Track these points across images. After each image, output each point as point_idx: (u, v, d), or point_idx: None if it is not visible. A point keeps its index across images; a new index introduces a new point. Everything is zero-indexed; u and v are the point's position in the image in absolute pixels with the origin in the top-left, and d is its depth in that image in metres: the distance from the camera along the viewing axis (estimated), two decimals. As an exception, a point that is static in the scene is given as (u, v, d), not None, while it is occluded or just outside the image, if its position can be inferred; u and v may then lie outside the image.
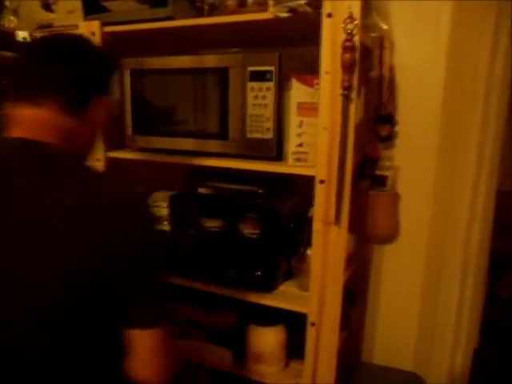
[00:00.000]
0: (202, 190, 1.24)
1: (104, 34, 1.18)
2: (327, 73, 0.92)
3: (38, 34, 1.28)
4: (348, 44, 0.86)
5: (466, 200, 1.25)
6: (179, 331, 1.27)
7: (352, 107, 0.90)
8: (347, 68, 0.87)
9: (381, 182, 1.26)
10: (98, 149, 1.22)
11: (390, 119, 1.25)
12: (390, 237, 1.34)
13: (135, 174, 1.35)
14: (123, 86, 1.22)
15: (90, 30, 1.17)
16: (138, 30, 1.14)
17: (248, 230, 1.16)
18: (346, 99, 0.89)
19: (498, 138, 1.22)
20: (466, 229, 1.24)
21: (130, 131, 1.24)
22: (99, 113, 0.77)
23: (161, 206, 1.25)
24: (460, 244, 1.26)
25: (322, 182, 0.96)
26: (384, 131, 1.26)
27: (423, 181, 1.29)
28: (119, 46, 1.26)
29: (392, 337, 1.41)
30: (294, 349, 1.20)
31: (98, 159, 1.23)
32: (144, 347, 0.68)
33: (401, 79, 1.26)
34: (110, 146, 1.25)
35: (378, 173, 1.26)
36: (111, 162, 1.25)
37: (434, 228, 1.30)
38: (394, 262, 1.37)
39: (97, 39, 1.17)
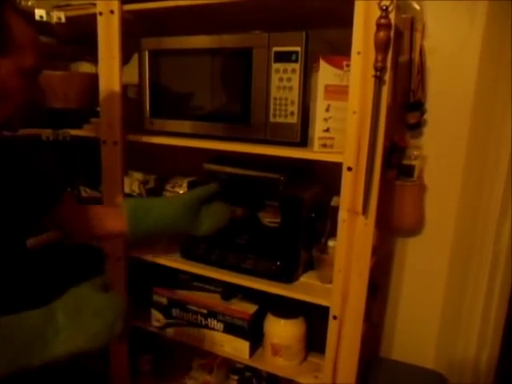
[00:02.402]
0: (221, 176, 1.20)
1: (123, 13, 1.14)
2: (359, 53, 0.86)
3: (56, 13, 1.25)
4: (383, 21, 0.80)
5: (497, 191, 1.18)
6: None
7: (385, 90, 0.85)
8: (381, 47, 0.82)
9: (408, 172, 1.20)
10: (115, 131, 1.19)
11: (419, 106, 1.19)
12: (415, 229, 1.29)
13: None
14: (141, 67, 1.19)
15: (109, 7, 1.13)
16: (159, 8, 1.10)
17: (268, 219, 1.12)
18: (379, 81, 0.84)
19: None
20: (497, 222, 1.19)
21: (147, 114, 1.20)
22: None
23: (179, 191, 1.22)
24: (490, 237, 1.20)
25: (349, 169, 0.91)
26: (412, 119, 1.20)
27: (452, 171, 1.23)
28: (139, 26, 1.23)
29: (413, 332, 1.37)
30: (313, 342, 1.17)
31: (116, 142, 1.20)
32: None
33: (431, 64, 1.20)
34: (129, 129, 1.21)
35: (405, 162, 1.20)
36: (129, 146, 1.22)
37: (462, 221, 1.25)
38: (417, 255, 1.32)
39: (116, 18, 1.13)
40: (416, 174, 1.20)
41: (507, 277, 1.23)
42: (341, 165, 0.94)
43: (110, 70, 1.17)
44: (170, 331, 1.30)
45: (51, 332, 0.60)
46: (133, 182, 1.65)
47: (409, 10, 1.15)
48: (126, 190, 1.50)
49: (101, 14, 1.15)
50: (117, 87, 1.17)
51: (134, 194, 1.63)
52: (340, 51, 0.95)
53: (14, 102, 0.70)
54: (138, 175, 1.65)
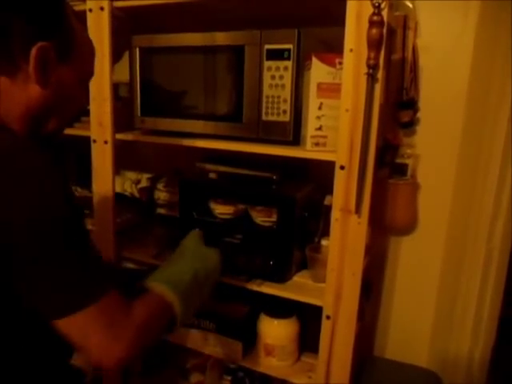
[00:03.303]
0: (213, 176, 1.19)
1: (114, 10, 1.12)
2: (351, 50, 0.86)
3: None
4: (375, 18, 0.79)
5: (490, 191, 1.18)
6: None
7: (377, 88, 0.84)
8: (374, 44, 0.81)
9: (401, 170, 1.20)
10: (106, 130, 1.18)
11: (412, 104, 1.19)
12: (408, 228, 1.29)
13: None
14: (132, 65, 1.17)
15: (99, 4, 1.11)
16: (150, 5, 1.08)
17: (261, 218, 1.11)
18: (371, 79, 0.83)
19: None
20: (490, 221, 1.19)
21: (138, 112, 1.19)
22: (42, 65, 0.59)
23: (171, 191, 1.21)
24: (483, 236, 1.20)
25: (342, 167, 0.91)
26: (405, 117, 1.19)
27: (445, 170, 1.23)
28: (130, 23, 1.21)
29: (406, 331, 1.36)
30: (306, 342, 1.16)
31: (106, 141, 1.18)
32: (76, 335, 0.58)
33: (424, 62, 1.20)
34: (119, 128, 1.20)
35: (398, 161, 1.20)
36: (120, 144, 1.20)
37: (455, 220, 1.24)
38: (410, 254, 1.32)
39: (106, 15, 1.12)
40: (409, 172, 1.19)
41: (500, 275, 1.23)
42: (333, 163, 0.93)
43: (101, 68, 1.15)
44: (162, 332, 1.28)
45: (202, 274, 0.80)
46: (125, 182, 1.64)
47: (401, 8, 1.15)
48: (118, 189, 1.49)
49: (91, 10, 1.13)
50: (107, 85, 1.16)
51: (126, 193, 1.62)
52: (332, 49, 0.94)
53: (74, 110, 0.70)
54: (130, 174, 1.64)
